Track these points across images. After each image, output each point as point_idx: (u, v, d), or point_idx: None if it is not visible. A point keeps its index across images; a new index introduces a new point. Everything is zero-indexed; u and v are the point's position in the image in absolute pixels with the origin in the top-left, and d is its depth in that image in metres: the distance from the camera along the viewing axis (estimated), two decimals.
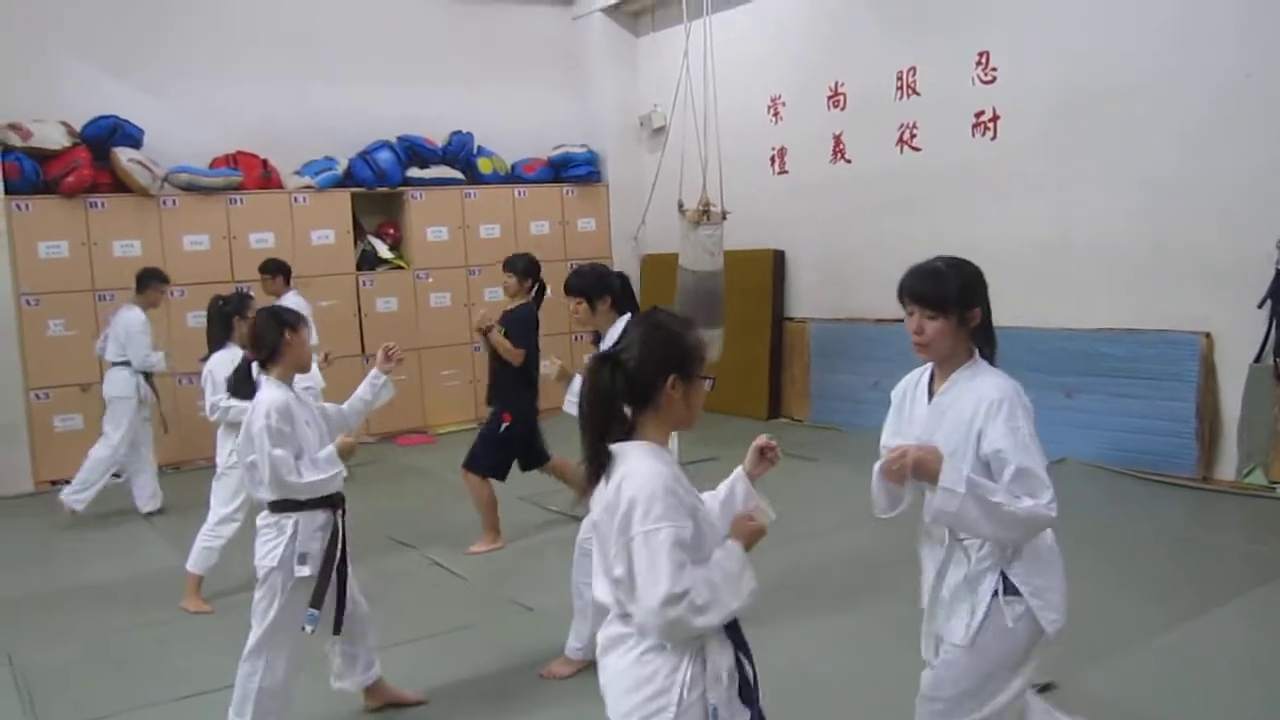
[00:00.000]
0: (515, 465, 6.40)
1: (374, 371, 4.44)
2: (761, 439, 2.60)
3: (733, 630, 2.35)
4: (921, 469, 2.59)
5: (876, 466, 2.79)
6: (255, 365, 4.02)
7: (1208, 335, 6.95)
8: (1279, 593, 5.05)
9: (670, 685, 2.24)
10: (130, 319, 7.43)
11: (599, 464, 2.31)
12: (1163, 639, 4.55)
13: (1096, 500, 6.54)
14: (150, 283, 7.49)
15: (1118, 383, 7.27)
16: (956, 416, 2.75)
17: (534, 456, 6.42)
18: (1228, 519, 6.33)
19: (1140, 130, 7.20)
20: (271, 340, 3.90)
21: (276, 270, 8.23)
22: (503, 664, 4.68)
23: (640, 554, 2.18)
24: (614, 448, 2.32)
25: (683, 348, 2.37)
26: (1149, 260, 7.22)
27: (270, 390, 3.87)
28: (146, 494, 7.70)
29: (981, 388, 2.74)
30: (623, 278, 4.93)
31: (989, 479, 2.63)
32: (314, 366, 5.53)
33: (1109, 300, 7.38)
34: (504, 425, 6.22)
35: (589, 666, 4.50)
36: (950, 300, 2.77)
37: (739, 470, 2.60)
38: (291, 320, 3.95)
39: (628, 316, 4.69)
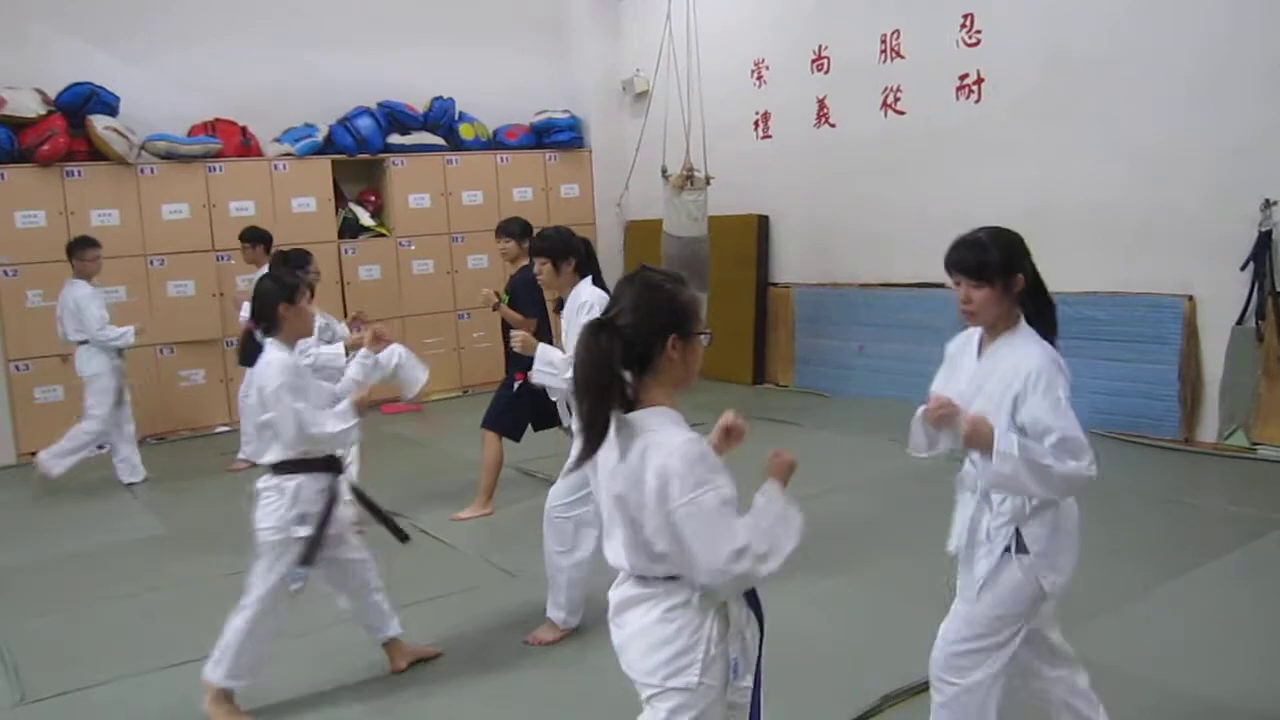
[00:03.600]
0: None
1: (363, 350, 4.42)
2: (728, 417, 2.57)
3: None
4: (975, 438, 2.71)
5: (920, 409, 2.88)
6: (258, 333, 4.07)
7: (1190, 298, 6.97)
8: (1261, 552, 5.10)
9: (696, 641, 2.27)
10: (77, 294, 7.35)
11: (598, 432, 2.26)
12: (1147, 598, 4.60)
13: (1096, 469, 6.56)
14: (77, 251, 7.40)
15: (1101, 346, 7.29)
16: (999, 380, 2.86)
17: (548, 417, 6.40)
18: (1210, 480, 6.38)
19: (1125, 94, 7.18)
20: (268, 313, 3.98)
21: (257, 239, 8.02)
22: (487, 629, 4.70)
23: (689, 524, 2.17)
24: (630, 417, 2.29)
25: (678, 306, 2.33)
26: (1133, 224, 7.22)
27: (276, 352, 3.94)
28: (128, 466, 7.67)
29: (1022, 356, 2.84)
30: (586, 243, 4.98)
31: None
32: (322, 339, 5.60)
33: (1093, 264, 7.38)
34: (517, 384, 6.23)
35: (572, 633, 4.55)
36: (994, 269, 2.87)
37: None
38: (289, 292, 3.99)
39: (583, 281, 4.80)
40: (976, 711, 2.89)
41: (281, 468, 3.90)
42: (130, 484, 7.61)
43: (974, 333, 3.06)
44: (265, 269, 7.78)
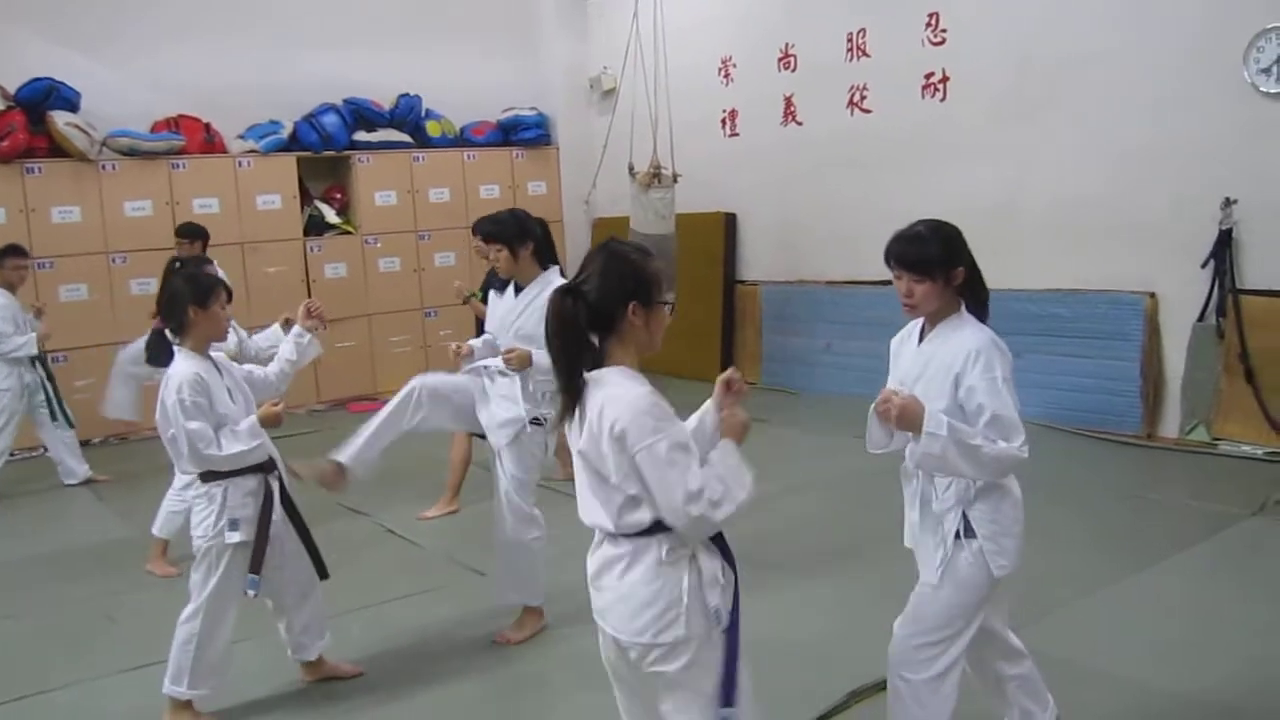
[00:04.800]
0: None
1: (296, 329, 4.34)
2: (727, 373, 2.73)
3: (718, 538, 2.47)
4: (906, 418, 2.73)
5: (872, 406, 2.92)
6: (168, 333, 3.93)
7: (1152, 295, 7.05)
8: (1222, 546, 5.17)
9: (678, 597, 2.37)
10: None
11: (574, 394, 2.41)
12: (1108, 592, 4.64)
13: (1044, 458, 6.53)
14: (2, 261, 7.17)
15: (1064, 343, 7.36)
16: (940, 363, 2.91)
17: None
18: (1172, 475, 6.45)
19: (1089, 95, 7.25)
20: (178, 315, 3.81)
21: (195, 234, 7.56)
22: (454, 629, 4.67)
23: (648, 467, 2.30)
24: (589, 375, 2.42)
25: (642, 275, 2.46)
26: (1095, 222, 7.29)
27: (182, 363, 3.78)
28: (68, 468, 7.56)
29: (963, 338, 2.89)
30: (543, 224, 4.80)
31: (965, 423, 2.78)
32: (241, 333, 5.42)
33: (1056, 261, 7.45)
34: None
35: (541, 631, 4.53)
36: (934, 262, 2.91)
37: (708, 404, 2.72)
38: (200, 295, 3.81)
39: (553, 270, 4.63)
40: (939, 702, 2.91)
41: (207, 475, 3.80)
42: (73, 484, 7.50)
43: (915, 325, 3.11)
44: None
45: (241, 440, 3.76)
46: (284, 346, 4.31)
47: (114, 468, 7.76)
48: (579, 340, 2.42)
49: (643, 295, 2.44)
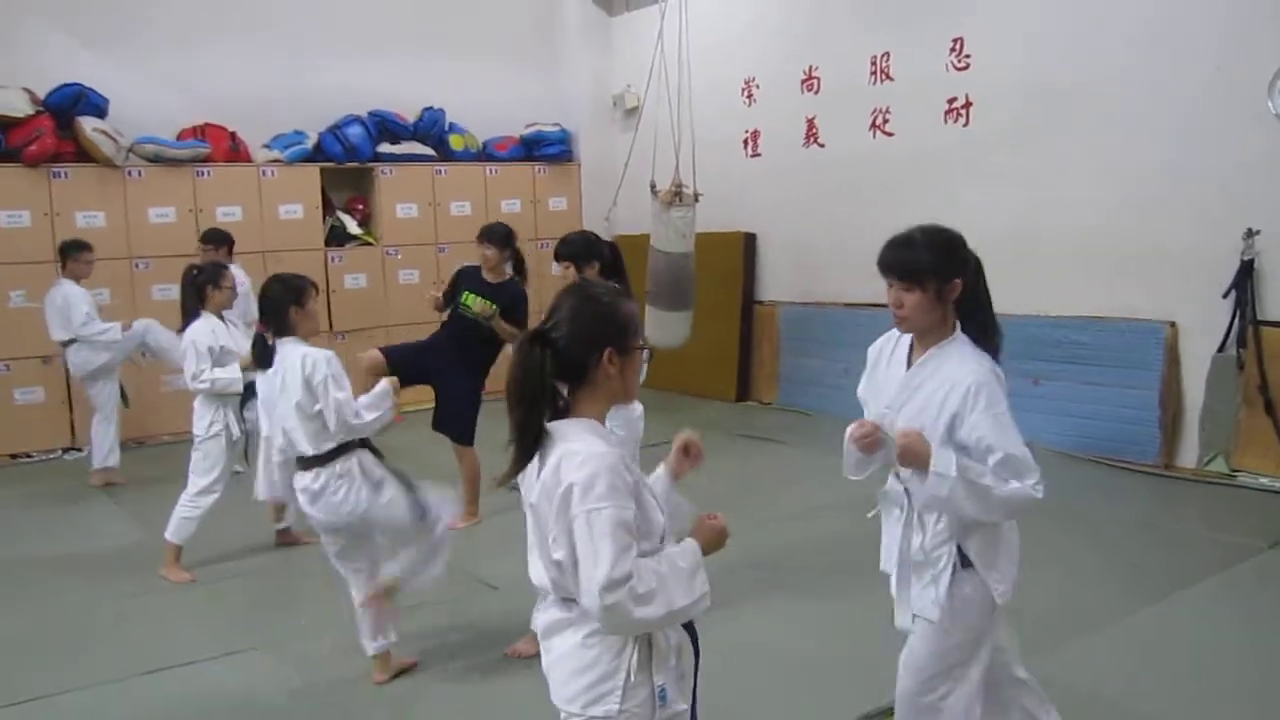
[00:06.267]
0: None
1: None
2: (686, 435, 2.48)
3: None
4: (909, 456, 2.60)
5: (847, 431, 2.79)
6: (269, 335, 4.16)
7: (1173, 324, 7.01)
8: (1238, 578, 5.13)
9: (615, 669, 2.19)
10: (66, 292, 7.41)
11: (528, 443, 2.21)
12: (1126, 623, 4.61)
13: (1061, 486, 6.50)
14: (71, 253, 7.52)
15: (1084, 370, 7.33)
16: (929, 394, 2.73)
17: None
18: (1189, 505, 6.40)
19: (1111, 121, 7.24)
20: (280, 316, 4.10)
21: (220, 241, 7.77)
22: (467, 642, 4.67)
23: (582, 535, 2.08)
24: (550, 426, 2.22)
25: (616, 320, 2.25)
26: (1117, 250, 7.27)
27: (303, 345, 4.07)
28: (99, 448, 7.70)
29: (956, 369, 2.70)
30: (613, 248, 4.96)
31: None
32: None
33: (1077, 288, 7.43)
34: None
35: None
36: (925, 271, 2.70)
37: (661, 468, 2.49)
38: (298, 295, 4.10)
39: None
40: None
41: (324, 458, 4.03)
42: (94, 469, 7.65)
43: (900, 337, 2.90)
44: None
45: (376, 407, 4.05)
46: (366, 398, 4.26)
47: (131, 471, 7.79)
48: (540, 390, 2.18)
49: (618, 341, 2.23)
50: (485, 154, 11.07)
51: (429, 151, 10.63)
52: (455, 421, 6.40)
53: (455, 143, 10.81)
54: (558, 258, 4.90)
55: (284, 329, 4.11)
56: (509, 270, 6.45)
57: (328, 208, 10.24)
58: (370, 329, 10.10)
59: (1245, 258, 6.59)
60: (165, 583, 5.56)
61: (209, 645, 4.69)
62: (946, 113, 8.29)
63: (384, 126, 10.37)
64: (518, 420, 2.20)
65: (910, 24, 8.53)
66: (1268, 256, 6.56)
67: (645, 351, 2.32)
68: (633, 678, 2.19)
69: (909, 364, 2.84)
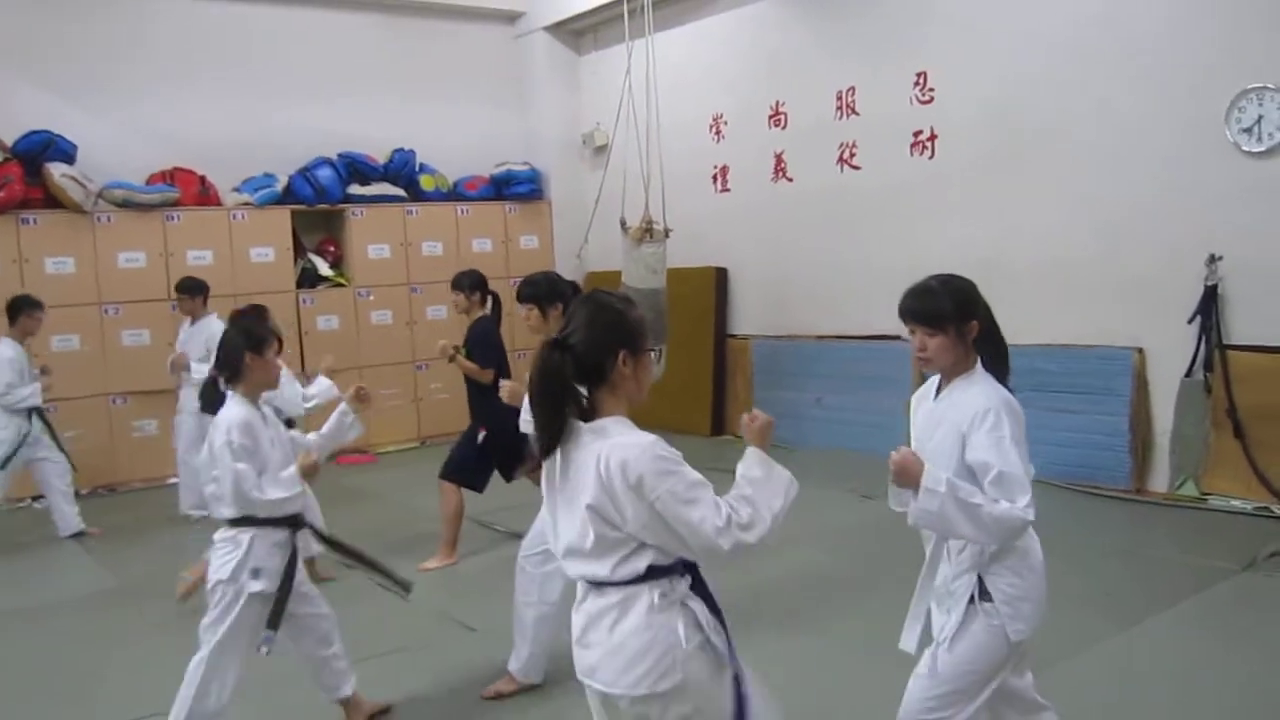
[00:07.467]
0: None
1: (343, 406, 4.31)
2: (752, 413, 2.68)
3: (697, 585, 2.46)
4: (903, 474, 2.72)
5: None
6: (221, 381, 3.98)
7: (1140, 350, 7.10)
8: (1211, 601, 5.17)
9: (674, 642, 2.36)
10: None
11: (554, 433, 2.42)
12: (1098, 648, 4.63)
13: (1035, 513, 6.63)
14: (25, 309, 7.22)
15: (1053, 398, 7.38)
16: (952, 422, 2.89)
17: (514, 464, 6.37)
18: (1161, 529, 6.45)
19: (1075, 151, 7.36)
20: (234, 361, 3.88)
21: (195, 290, 7.79)
22: (444, 684, 4.63)
23: (671, 510, 2.30)
24: (588, 426, 2.43)
25: (626, 325, 2.49)
26: (1083, 278, 7.37)
27: (233, 408, 3.84)
28: (64, 516, 7.48)
29: (973, 398, 2.88)
30: (575, 286, 4.97)
31: (973, 484, 2.76)
32: (298, 384, 5.55)
33: (1044, 316, 7.50)
34: (482, 435, 6.21)
35: (531, 688, 4.50)
36: (946, 316, 2.91)
37: None
38: (255, 342, 3.89)
39: None
40: None
41: (236, 522, 3.82)
42: (68, 536, 7.43)
43: (934, 381, 3.09)
44: (202, 320, 7.73)
45: (283, 487, 3.83)
46: (330, 422, 4.27)
47: (103, 519, 7.71)
48: (561, 390, 2.41)
49: (630, 344, 2.46)
50: (456, 194, 11.11)
51: (399, 192, 10.66)
52: (448, 460, 6.42)
53: (426, 183, 10.85)
54: (520, 299, 4.87)
55: (236, 376, 3.89)
56: (481, 311, 6.46)
57: (299, 250, 10.23)
58: (343, 370, 10.03)
59: (1209, 283, 6.70)
60: (140, 631, 5.47)
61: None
62: (912, 146, 8.40)
63: (354, 168, 10.39)
64: (541, 414, 2.43)
65: (874, 58, 8.65)
66: (1231, 281, 6.67)
67: (655, 353, 2.57)
68: (687, 645, 2.37)
69: (935, 398, 3.04)
